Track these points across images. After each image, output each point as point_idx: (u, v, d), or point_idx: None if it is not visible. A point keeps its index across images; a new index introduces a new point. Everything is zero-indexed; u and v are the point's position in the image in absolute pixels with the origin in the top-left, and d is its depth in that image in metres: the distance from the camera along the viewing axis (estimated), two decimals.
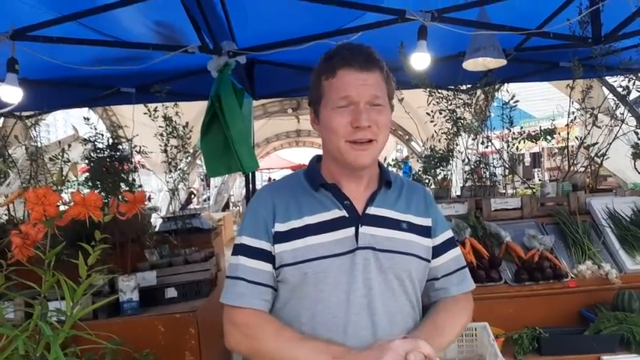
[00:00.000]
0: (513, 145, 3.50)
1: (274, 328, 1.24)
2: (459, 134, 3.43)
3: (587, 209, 2.90)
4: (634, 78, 3.41)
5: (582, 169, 3.38)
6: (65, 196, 2.51)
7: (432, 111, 3.43)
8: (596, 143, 3.32)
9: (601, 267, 2.46)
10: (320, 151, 1.44)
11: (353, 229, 1.27)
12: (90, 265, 1.56)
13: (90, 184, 2.84)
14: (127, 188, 2.85)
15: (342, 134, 1.24)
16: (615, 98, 3.72)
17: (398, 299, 1.28)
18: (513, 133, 3.52)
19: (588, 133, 3.34)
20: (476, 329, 1.82)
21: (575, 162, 3.40)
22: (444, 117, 3.40)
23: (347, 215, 1.29)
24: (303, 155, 17.88)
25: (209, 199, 14.22)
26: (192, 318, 2.31)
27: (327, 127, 1.27)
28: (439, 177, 3.35)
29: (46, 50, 2.77)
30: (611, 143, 3.34)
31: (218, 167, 3.07)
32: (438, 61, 3.22)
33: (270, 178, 20.34)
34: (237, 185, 16.25)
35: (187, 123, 3.41)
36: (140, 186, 3.06)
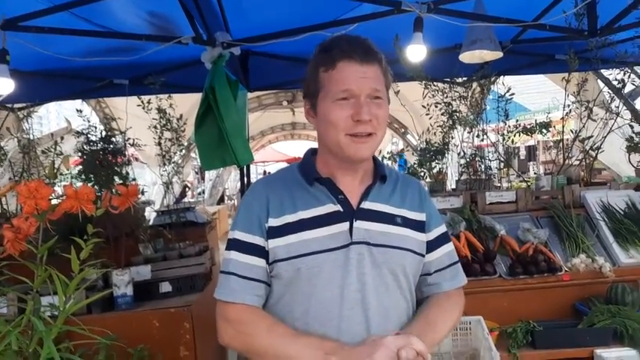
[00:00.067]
0: (509, 138, 3.50)
1: (267, 323, 1.24)
2: (455, 127, 3.42)
3: (581, 203, 2.91)
4: (629, 71, 3.41)
5: (577, 162, 3.38)
6: (58, 190, 2.49)
7: (427, 104, 3.42)
8: (591, 136, 3.33)
9: (595, 260, 2.47)
10: (315, 144, 1.43)
11: (347, 223, 1.26)
12: (83, 260, 1.54)
13: (83, 177, 2.81)
14: (121, 181, 2.83)
15: (343, 127, 1.23)
16: (610, 91, 3.72)
17: (392, 294, 1.28)
18: (509, 127, 3.52)
19: (583, 126, 3.35)
20: (470, 323, 1.82)
21: (570, 155, 3.40)
22: (440, 110, 3.39)
23: (341, 210, 1.28)
24: (298, 148, 17.85)
25: (204, 192, 14.19)
26: (187, 312, 2.30)
27: (326, 120, 1.25)
28: (434, 170, 3.34)
29: (37, 41, 2.74)
30: (605, 136, 3.34)
31: (212, 160, 3.05)
32: (433, 53, 3.20)
33: (265, 171, 20.32)
34: (232, 178, 16.22)
35: (181, 115, 3.38)
36: (134, 179, 3.04)
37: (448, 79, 3.66)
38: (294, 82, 4.04)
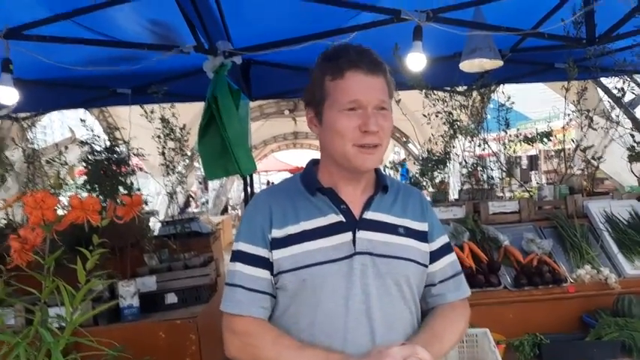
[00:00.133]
0: (510, 147, 3.50)
1: (273, 336, 1.24)
2: (456, 136, 3.43)
3: (584, 212, 2.90)
4: (629, 79, 3.42)
5: (579, 171, 3.39)
6: (63, 200, 2.50)
7: (428, 113, 3.43)
8: (592, 146, 3.33)
9: (600, 271, 2.45)
10: (317, 154, 1.42)
11: (350, 234, 1.26)
12: (89, 270, 1.54)
13: (88, 187, 2.82)
14: (125, 191, 2.83)
15: (350, 138, 1.23)
16: (610, 100, 3.74)
17: (396, 305, 1.28)
18: (510, 135, 3.52)
19: (584, 136, 3.35)
20: (477, 335, 1.81)
21: (571, 165, 3.40)
22: (441, 119, 3.40)
23: (344, 220, 1.28)
24: (300, 157, 17.82)
25: (207, 202, 14.16)
26: (193, 324, 2.30)
27: (332, 130, 1.25)
28: (437, 180, 3.34)
29: (40, 50, 2.74)
30: (607, 146, 3.35)
31: (216, 170, 3.06)
32: (433, 61, 3.21)
33: (268, 181, 20.28)
34: (235, 188, 16.17)
35: (184, 125, 3.39)
36: (138, 189, 3.05)
37: (448, 88, 3.68)
38: (295, 91, 4.04)
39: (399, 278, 1.28)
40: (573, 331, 2.36)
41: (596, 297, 2.42)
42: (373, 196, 1.33)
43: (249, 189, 4.22)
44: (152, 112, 3.31)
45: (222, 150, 2.94)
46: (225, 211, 14.33)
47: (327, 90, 1.26)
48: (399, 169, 3.95)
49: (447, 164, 3.41)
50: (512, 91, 3.66)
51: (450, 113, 3.41)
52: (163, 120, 3.27)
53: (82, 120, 3.37)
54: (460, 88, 3.67)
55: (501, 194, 3.70)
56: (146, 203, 3.07)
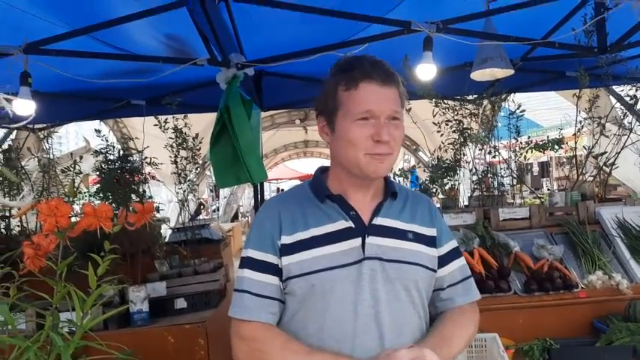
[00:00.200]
0: (521, 154, 3.49)
1: (281, 341, 1.25)
2: (466, 144, 3.42)
3: (596, 219, 2.88)
4: None
5: (591, 178, 3.36)
6: (77, 208, 2.54)
7: (438, 122, 3.44)
8: (605, 152, 3.31)
9: (612, 277, 2.43)
10: (327, 162, 1.45)
11: (359, 239, 1.28)
12: (100, 276, 1.57)
13: (101, 195, 2.87)
14: (138, 199, 2.88)
15: (362, 147, 1.25)
16: (623, 107, 3.71)
17: (405, 310, 1.29)
18: (521, 143, 3.51)
19: (596, 143, 3.33)
20: (485, 340, 1.80)
21: (583, 171, 3.38)
22: (451, 128, 3.40)
23: (353, 226, 1.29)
24: (311, 166, 17.89)
25: (218, 209, 14.26)
26: (202, 329, 2.32)
27: (344, 139, 1.27)
28: (447, 187, 3.34)
29: (58, 63, 2.82)
30: (619, 152, 3.32)
31: (227, 178, 3.09)
32: (443, 71, 3.22)
33: (278, 189, 20.37)
34: (246, 196, 16.30)
35: (197, 134, 3.44)
36: (150, 197, 3.09)
37: (458, 97, 3.68)
38: (306, 101, 4.10)
39: (408, 283, 1.29)
40: (584, 336, 2.34)
41: (608, 302, 2.40)
42: (382, 203, 1.35)
43: (259, 196, 4.25)
44: (166, 121, 3.36)
45: (234, 158, 2.98)
46: (235, 218, 14.41)
47: (341, 100, 1.28)
48: (409, 176, 3.95)
49: (457, 171, 3.41)
50: (523, 99, 3.64)
51: (460, 122, 3.41)
52: (176, 130, 3.32)
53: (96, 130, 3.43)
54: (470, 97, 3.67)
55: (512, 201, 3.67)
56: (158, 210, 3.10)
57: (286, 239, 1.29)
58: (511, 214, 2.94)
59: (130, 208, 2.50)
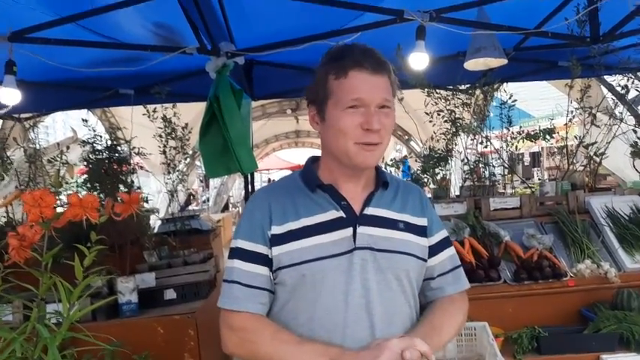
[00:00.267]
0: (512, 144, 3.50)
1: (271, 331, 1.24)
2: (458, 134, 3.42)
3: (586, 208, 2.90)
4: (633, 77, 3.41)
5: (581, 168, 3.38)
6: (64, 198, 2.51)
7: (430, 112, 3.43)
8: (595, 142, 3.32)
9: (600, 266, 2.46)
10: (319, 152, 1.43)
11: (350, 229, 1.27)
12: (87, 267, 1.55)
13: (88, 185, 2.83)
14: (126, 190, 2.85)
15: (352, 136, 1.24)
16: (614, 97, 3.72)
17: (396, 299, 1.29)
18: (512, 133, 3.52)
19: (587, 132, 3.34)
20: (475, 329, 1.81)
21: (574, 161, 3.39)
22: (442, 118, 3.39)
23: (344, 216, 1.29)
24: (302, 156, 17.84)
25: (208, 200, 14.22)
26: (192, 320, 2.31)
27: (334, 128, 1.26)
28: (438, 177, 3.34)
29: (44, 52, 2.77)
30: (610, 142, 3.34)
31: (217, 168, 3.07)
32: (436, 61, 3.21)
33: (269, 179, 20.34)
34: (236, 186, 16.24)
35: (186, 124, 3.41)
36: (139, 187, 3.06)
37: (451, 87, 3.67)
38: (297, 90, 4.04)
39: (399, 273, 1.29)
40: (572, 324, 2.36)
41: (596, 291, 2.43)
42: (374, 192, 1.34)
43: (250, 187, 4.23)
44: (155, 111, 3.32)
45: (224, 148, 2.96)
46: (226, 208, 14.39)
47: (331, 89, 1.27)
48: (401, 166, 3.94)
49: (449, 161, 3.41)
50: (515, 89, 3.65)
51: (452, 111, 3.40)
52: (165, 119, 3.28)
53: (84, 120, 3.38)
54: (463, 87, 3.67)
55: (503, 191, 3.69)
56: (147, 201, 3.08)
57: (277, 229, 1.28)
58: (502, 203, 2.96)
59: (118, 198, 2.48)
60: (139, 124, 3.49)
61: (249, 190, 4.26)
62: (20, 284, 1.57)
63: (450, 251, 1.44)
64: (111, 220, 1.69)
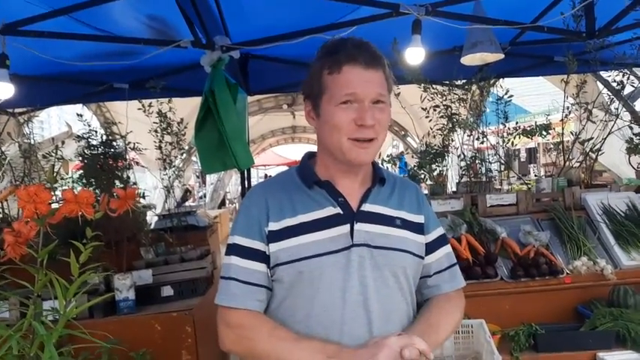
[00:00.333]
0: (508, 140, 3.50)
1: (268, 328, 1.24)
2: (454, 130, 3.42)
3: (582, 205, 2.90)
4: (628, 73, 3.41)
5: (577, 164, 3.38)
6: (59, 194, 2.49)
7: (426, 108, 3.42)
8: (591, 138, 3.33)
9: (596, 263, 2.46)
10: (315, 148, 1.42)
11: (348, 226, 1.26)
12: (83, 263, 1.54)
13: (84, 181, 2.81)
14: (122, 186, 2.83)
15: (345, 131, 1.23)
16: (610, 93, 3.73)
17: (393, 296, 1.28)
18: (508, 129, 3.52)
19: (583, 128, 3.35)
20: (472, 326, 1.82)
21: (570, 157, 3.40)
22: (439, 113, 3.39)
23: (341, 212, 1.28)
24: (298, 151, 17.84)
25: (205, 196, 14.19)
26: (189, 317, 2.31)
27: (328, 123, 1.25)
28: (435, 173, 3.34)
29: (37, 45, 2.75)
30: (605, 138, 3.34)
31: (213, 164, 3.06)
32: (432, 55, 3.20)
33: (266, 175, 20.31)
34: (233, 182, 16.22)
35: (182, 119, 3.39)
36: (135, 183, 3.04)
37: (447, 82, 3.67)
38: (294, 85, 4.05)
39: (396, 270, 1.28)
40: (569, 321, 2.37)
41: (592, 288, 2.43)
42: (371, 189, 1.33)
43: (246, 183, 4.22)
44: (150, 105, 3.30)
45: (220, 144, 2.94)
46: (222, 204, 14.37)
47: (325, 84, 1.26)
48: (397, 162, 3.94)
49: (445, 157, 3.41)
50: (511, 85, 3.64)
51: (449, 107, 3.39)
52: (160, 114, 3.26)
53: (78, 115, 3.35)
54: (459, 82, 3.66)
55: (499, 187, 3.69)
56: (143, 197, 3.06)
57: (274, 226, 1.27)
58: (498, 200, 2.96)
59: (114, 194, 2.46)
60: (134, 119, 3.47)
61: (246, 186, 4.25)
62: (16, 281, 1.57)
63: (447, 249, 1.44)
64: (107, 216, 1.68)
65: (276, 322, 1.26)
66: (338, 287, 1.23)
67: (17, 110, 3.98)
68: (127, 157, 3.10)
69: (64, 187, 2.85)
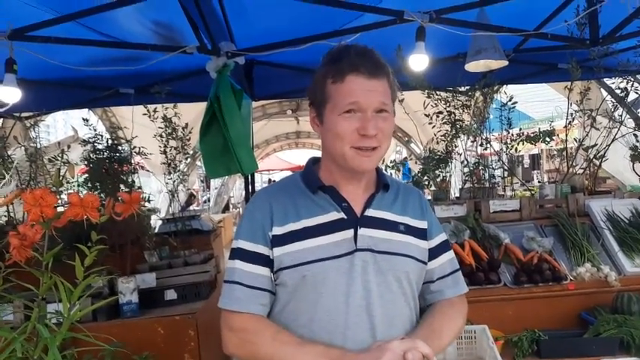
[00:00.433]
0: (512, 146, 3.50)
1: (272, 332, 1.24)
2: (458, 136, 3.42)
3: (585, 211, 2.90)
4: (632, 80, 3.41)
5: (581, 171, 3.38)
6: (65, 198, 2.51)
7: (430, 114, 3.43)
8: (595, 145, 3.32)
9: (600, 269, 2.45)
10: (319, 153, 1.44)
11: (352, 231, 1.27)
12: (88, 267, 1.55)
13: (89, 185, 2.83)
14: (127, 190, 2.85)
15: (348, 140, 1.24)
16: (614, 100, 3.73)
17: (396, 301, 1.29)
18: (512, 135, 3.52)
19: (587, 135, 3.34)
20: (475, 332, 1.81)
21: (574, 164, 3.40)
22: (442, 120, 3.40)
23: (345, 217, 1.29)
24: (302, 156, 17.84)
25: (209, 200, 14.22)
26: (192, 320, 2.31)
27: (332, 132, 1.26)
28: (438, 179, 3.35)
29: (44, 50, 2.77)
30: (609, 145, 3.34)
31: (217, 168, 3.07)
32: (436, 62, 3.21)
33: (270, 180, 20.33)
34: (237, 187, 16.25)
35: (187, 124, 3.41)
36: (140, 187, 3.06)
37: (451, 88, 3.68)
38: (298, 91, 4.06)
39: (399, 275, 1.29)
40: (572, 328, 2.36)
41: (596, 294, 2.42)
42: (374, 194, 1.34)
43: (250, 188, 4.23)
44: (155, 111, 3.32)
45: (224, 149, 2.95)
46: (226, 209, 14.39)
47: (329, 93, 1.27)
48: (401, 168, 3.94)
49: (449, 163, 3.41)
50: (514, 92, 3.65)
51: (452, 113, 3.40)
52: (165, 119, 3.28)
53: (84, 119, 3.38)
54: (463, 88, 3.67)
55: (502, 193, 3.69)
56: (148, 201, 3.07)
57: (278, 230, 1.28)
58: (502, 206, 2.96)
59: (119, 198, 2.48)
60: (139, 124, 3.49)
61: (250, 190, 4.26)
62: (21, 284, 1.58)
63: (450, 254, 1.45)
64: (111, 219, 1.69)
65: (279, 326, 1.26)
66: (341, 292, 1.23)
67: (24, 114, 4.01)
68: (132, 161, 3.12)
69: (69, 191, 2.88)
